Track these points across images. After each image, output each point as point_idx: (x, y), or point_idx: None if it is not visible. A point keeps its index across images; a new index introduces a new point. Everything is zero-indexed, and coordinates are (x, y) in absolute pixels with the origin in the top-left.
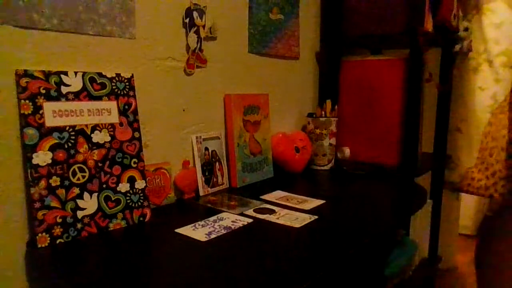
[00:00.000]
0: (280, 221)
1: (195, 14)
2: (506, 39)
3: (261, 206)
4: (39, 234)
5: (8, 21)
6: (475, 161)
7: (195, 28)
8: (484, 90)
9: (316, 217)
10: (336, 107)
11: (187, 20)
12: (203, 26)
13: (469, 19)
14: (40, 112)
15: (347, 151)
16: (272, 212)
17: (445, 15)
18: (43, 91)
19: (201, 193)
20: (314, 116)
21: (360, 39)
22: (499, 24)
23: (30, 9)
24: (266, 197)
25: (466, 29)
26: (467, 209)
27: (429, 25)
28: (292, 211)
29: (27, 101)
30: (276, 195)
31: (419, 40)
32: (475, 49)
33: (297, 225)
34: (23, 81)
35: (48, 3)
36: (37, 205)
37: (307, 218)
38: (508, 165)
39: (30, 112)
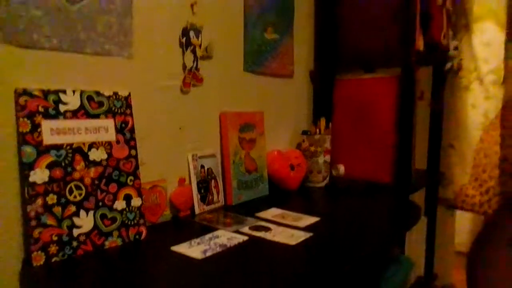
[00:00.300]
0: (276, 239)
1: (191, 33)
2: (495, 57)
3: (257, 224)
4: (35, 252)
5: (9, 40)
6: (469, 178)
7: (192, 47)
8: (475, 108)
9: (312, 234)
10: (330, 124)
11: (183, 40)
12: (200, 45)
13: (459, 39)
14: (38, 130)
15: (341, 168)
16: (267, 229)
17: (435, 34)
18: (42, 109)
19: (197, 211)
20: (309, 133)
21: (354, 58)
22: (488, 43)
23: (31, 29)
24: (261, 214)
25: (456, 48)
26: (463, 226)
27: (420, 44)
28: (288, 229)
29: (25, 119)
30: (271, 213)
31: (410, 59)
32: (465, 68)
33: (293, 242)
34: (22, 100)
35: (48, 23)
36: (33, 223)
37: (302, 235)
38: (501, 182)
39: (28, 130)
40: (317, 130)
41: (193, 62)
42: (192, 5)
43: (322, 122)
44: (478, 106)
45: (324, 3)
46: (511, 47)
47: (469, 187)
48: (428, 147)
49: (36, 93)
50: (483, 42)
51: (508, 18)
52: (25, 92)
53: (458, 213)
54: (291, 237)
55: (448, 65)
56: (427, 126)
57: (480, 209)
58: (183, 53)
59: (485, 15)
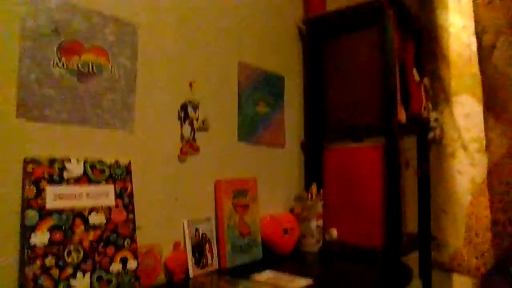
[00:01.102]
0: None
1: (189, 108)
2: (475, 127)
3: (250, 286)
4: None
5: (23, 115)
6: (463, 241)
7: (189, 120)
8: (462, 174)
9: None
10: (321, 190)
11: (182, 114)
12: (197, 119)
13: (440, 110)
14: (42, 195)
15: (334, 232)
16: None
17: (415, 108)
18: (47, 176)
19: (191, 274)
20: (301, 199)
21: (341, 129)
22: (467, 114)
23: (43, 105)
24: (255, 277)
25: (436, 120)
26: None
27: (402, 116)
28: None
29: (31, 186)
30: (265, 275)
31: (393, 130)
32: (449, 137)
33: None
34: (30, 167)
35: (59, 100)
36: (30, 285)
37: None
38: (495, 245)
39: (33, 196)
40: (309, 195)
41: (190, 133)
42: (190, 84)
43: (314, 188)
44: (464, 173)
45: (312, 81)
46: (489, 118)
47: (464, 250)
48: (418, 211)
49: (43, 161)
50: (463, 113)
51: (484, 92)
52: (33, 161)
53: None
54: None
55: (431, 135)
56: (415, 192)
57: (477, 272)
58: (181, 125)
59: (462, 89)
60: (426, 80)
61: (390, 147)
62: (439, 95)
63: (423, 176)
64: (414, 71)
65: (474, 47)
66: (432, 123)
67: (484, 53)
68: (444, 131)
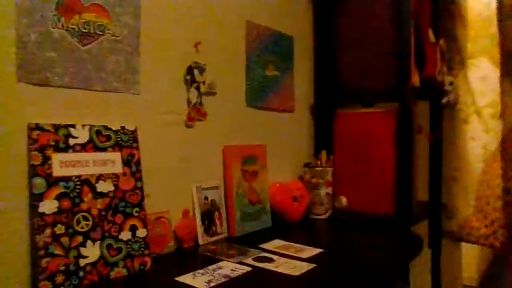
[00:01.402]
0: (279, 270)
1: (196, 71)
2: (491, 91)
3: (260, 255)
4: (42, 282)
5: (24, 79)
6: (473, 210)
7: (196, 84)
8: (475, 140)
9: (314, 265)
10: (331, 157)
11: (188, 77)
12: (203, 82)
13: (454, 74)
14: (49, 162)
15: (343, 200)
16: (270, 260)
17: (430, 71)
18: (52, 143)
19: (201, 242)
20: (310, 166)
21: (352, 93)
22: (483, 78)
23: (45, 68)
24: (264, 246)
25: (451, 83)
26: (471, 259)
27: (416, 80)
28: (291, 260)
29: (36, 152)
30: (274, 244)
31: (407, 94)
32: (463, 101)
33: (296, 273)
34: (34, 134)
35: (61, 63)
36: (41, 252)
37: (305, 267)
38: (506, 214)
39: (39, 163)
40: (319, 162)
41: (197, 98)
42: (196, 45)
43: (323, 154)
44: (477, 139)
45: (322, 43)
46: (506, 82)
47: (474, 219)
48: (429, 179)
49: (48, 127)
50: (479, 77)
51: (502, 55)
52: (37, 127)
53: (465, 246)
54: (294, 268)
55: (445, 99)
56: (427, 159)
57: (486, 241)
58: (188, 89)
59: (479, 52)
60: (442, 42)
61: (403, 112)
62: (454, 57)
63: (435, 142)
64: (430, 32)
65: (493, 6)
66: (447, 87)
67: (504, 13)
68: (458, 96)
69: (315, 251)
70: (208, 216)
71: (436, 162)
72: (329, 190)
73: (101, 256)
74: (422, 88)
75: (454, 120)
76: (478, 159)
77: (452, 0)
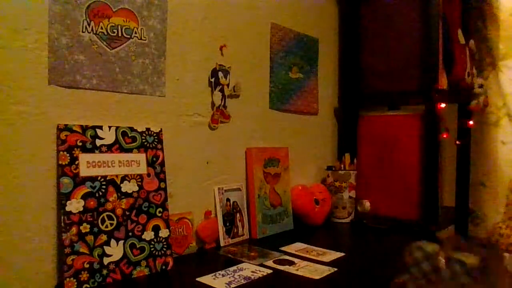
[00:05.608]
0: (300, 273)
1: (220, 74)
2: None
3: (281, 258)
4: (67, 279)
5: (54, 81)
6: (502, 217)
7: (220, 87)
8: (506, 144)
9: (336, 269)
10: (355, 160)
11: (212, 80)
12: (227, 85)
13: (485, 76)
14: (76, 162)
15: (367, 204)
16: (291, 263)
17: (459, 73)
18: (80, 144)
19: (222, 243)
20: (333, 169)
21: (377, 96)
22: None
23: (74, 71)
24: (285, 248)
25: (481, 86)
26: None
27: (443, 83)
28: (312, 263)
29: (65, 153)
30: (295, 247)
31: (433, 97)
32: (493, 104)
33: (317, 277)
34: (63, 135)
35: (90, 66)
36: (67, 250)
37: (326, 270)
38: None
39: (67, 163)
40: (342, 165)
41: (221, 100)
42: (221, 48)
43: (347, 157)
44: (508, 143)
45: (347, 44)
46: None
47: (503, 226)
48: (456, 184)
49: (76, 128)
50: (511, 79)
51: None
52: (66, 128)
53: None
54: (315, 271)
55: (474, 102)
56: (454, 163)
57: None
58: (212, 92)
59: None
60: (472, 43)
61: (430, 116)
62: (485, 58)
63: (463, 146)
64: (459, 32)
65: None
66: (476, 90)
67: None
68: (488, 99)
69: (337, 255)
70: (229, 218)
71: (464, 166)
72: (352, 193)
73: (124, 255)
74: (450, 91)
75: (484, 123)
76: (509, 164)
77: None
